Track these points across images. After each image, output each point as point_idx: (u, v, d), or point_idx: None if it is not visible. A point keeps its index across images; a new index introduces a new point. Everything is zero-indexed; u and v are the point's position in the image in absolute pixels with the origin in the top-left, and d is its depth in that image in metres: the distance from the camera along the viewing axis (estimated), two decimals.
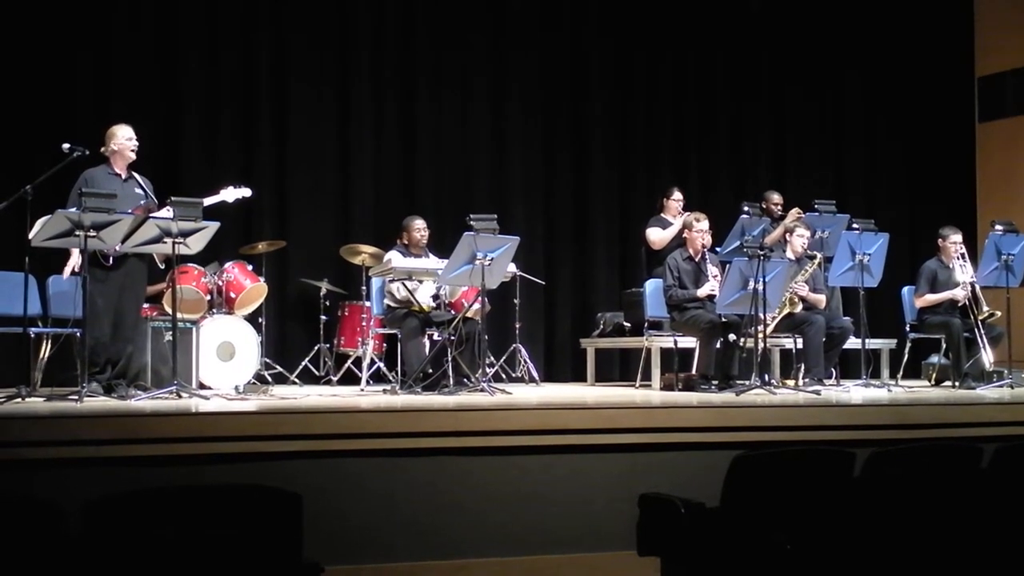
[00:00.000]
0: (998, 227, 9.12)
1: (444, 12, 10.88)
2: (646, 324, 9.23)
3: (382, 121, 10.62)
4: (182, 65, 9.87)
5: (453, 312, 8.47)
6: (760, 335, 8.05)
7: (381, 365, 9.38)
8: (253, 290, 8.88)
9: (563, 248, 11.25)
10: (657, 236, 9.51)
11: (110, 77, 9.58)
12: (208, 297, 8.66)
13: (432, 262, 8.47)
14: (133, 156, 7.41)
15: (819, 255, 9.01)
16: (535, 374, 9.83)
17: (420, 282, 8.45)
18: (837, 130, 12.58)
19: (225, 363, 8.45)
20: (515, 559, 5.76)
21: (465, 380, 7.80)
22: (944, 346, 9.44)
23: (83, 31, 9.50)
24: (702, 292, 8.49)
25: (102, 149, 7.38)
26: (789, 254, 8.91)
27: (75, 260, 7.10)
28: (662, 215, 9.71)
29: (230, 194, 7.80)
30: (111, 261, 7.13)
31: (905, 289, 9.74)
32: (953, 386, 9.01)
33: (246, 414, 6.04)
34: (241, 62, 10.12)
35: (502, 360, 9.81)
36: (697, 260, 8.66)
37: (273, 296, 9.52)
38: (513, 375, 9.87)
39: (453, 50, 10.90)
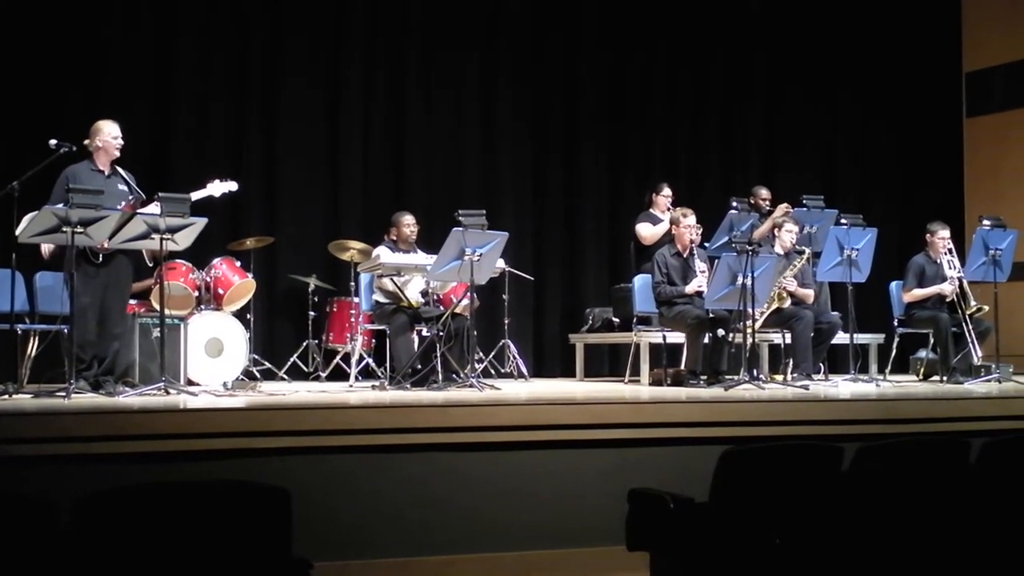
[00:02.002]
0: (986, 222, 9.15)
1: (435, 9, 10.87)
2: (635, 320, 9.24)
3: (371, 117, 10.60)
4: (172, 61, 9.84)
5: (442, 308, 8.46)
6: (748, 330, 8.06)
7: (370, 361, 9.38)
8: (241, 286, 8.86)
9: (552, 244, 11.26)
10: (648, 232, 9.51)
11: (100, 73, 9.54)
12: (196, 293, 8.64)
13: (421, 258, 8.46)
14: (118, 154, 7.38)
15: (807, 250, 9.03)
16: (524, 370, 9.84)
17: (409, 278, 8.44)
18: (825, 125, 12.61)
19: (213, 359, 8.43)
20: (504, 554, 5.76)
21: (454, 376, 7.80)
22: (932, 341, 9.47)
23: (75, 26, 9.46)
24: (690, 288, 8.50)
25: (85, 142, 7.35)
26: (777, 249, 8.93)
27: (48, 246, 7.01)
28: (651, 211, 9.70)
29: (216, 188, 7.78)
30: (100, 258, 7.11)
31: (893, 284, 9.76)
32: (941, 381, 9.04)
33: (234, 410, 6.02)
34: (232, 59, 10.10)
35: (491, 356, 9.82)
36: (685, 256, 8.67)
37: (261, 292, 9.51)
38: (502, 371, 9.88)
39: (443, 46, 10.89)
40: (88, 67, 9.50)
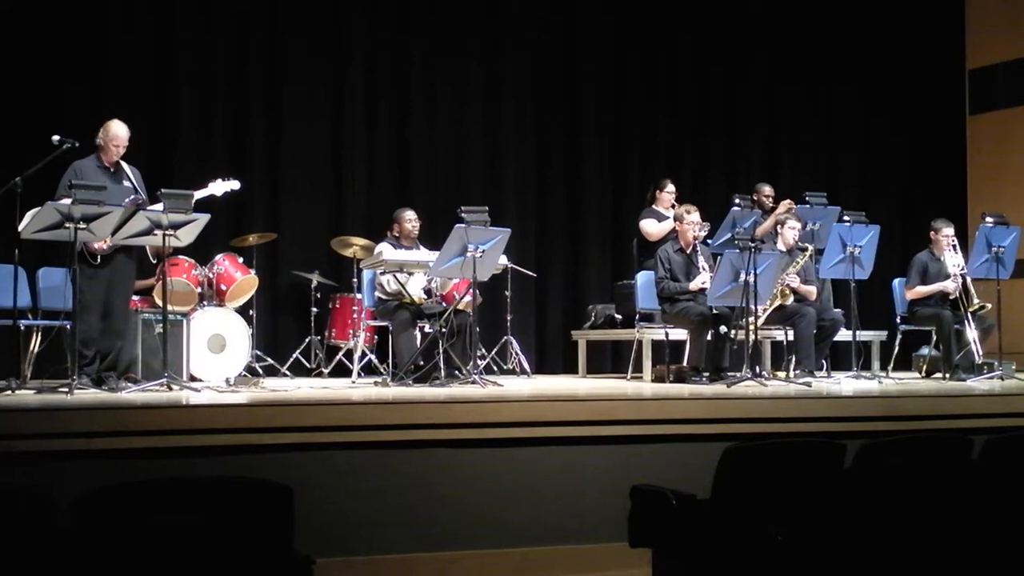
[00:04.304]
0: (988, 219, 9.13)
1: (438, 5, 10.86)
2: (637, 316, 9.24)
3: (374, 113, 10.59)
4: (175, 58, 9.83)
5: (444, 304, 8.46)
6: (751, 327, 8.06)
7: (372, 357, 9.38)
8: (244, 282, 8.86)
9: (554, 240, 11.25)
10: (654, 228, 9.49)
11: (101, 68, 9.53)
12: (199, 289, 8.64)
13: (423, 254, 8.45)
14: (117, 157, 7.37)
15: (810, 247, 9.02)
16: (526, 366, 9.83)
17: (411, 274, 8.44)
18: (829, 122, 12.61)
19: (216, 355, 8.44)
20: (506, 551, 5.76)
21: (456, 372, 7.80)
22: (935, 338, 9.47)
23: (78, 23, 9.45)
24: (694, 285, 8.49)
25: (97, 141, 7.35)
26: (780, 246, 8.92)
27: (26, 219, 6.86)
28: (655, 207, 9.69)
29: (218, 187, 7.80)
30: (98, 260, 7.10)
31: (896, 281, 9.76)
32: (944, 378, 9.03)
33: (237, 406, 6.03)
34: (234, 55, 10.09)
35: (493, 352, 9.82)
36: (688, 252, 8.66)
37: (264, 288, 9.51)
38: (504, 367, 9.88)
39: (447, 43, 10.87)
40: (90, 64, 9.49)
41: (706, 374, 8.29)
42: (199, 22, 9.95)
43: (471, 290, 7.94)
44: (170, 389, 6.83)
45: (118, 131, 7.35)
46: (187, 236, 7.07)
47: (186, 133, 9.83)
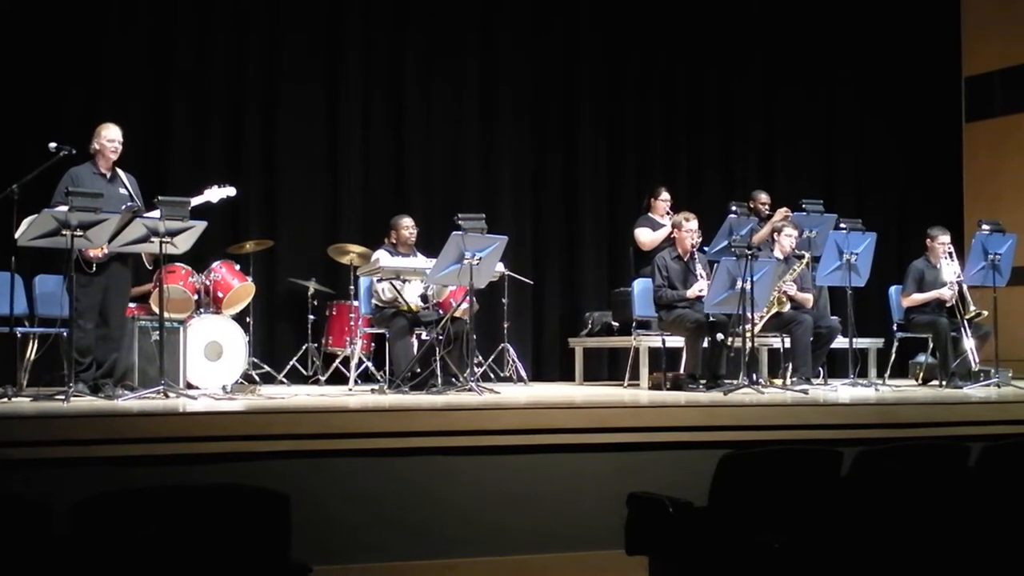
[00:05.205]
0: (985, 227, 9.14)
1: (435, 11, 10.86)
2: (634, 323, 9.24)
3: (371, 120, 10.60)
4: (171, 63, 9.83)
5: (441, 311, 8.46)
6: (748, 334, 8.06)
7: (369, 365, 9.37)
8: (241, 289, 8.85)
9: (551, 247, 11.25)
10: (647, 237, 9.49)
11: (98, 75, 9.54)
12: (195, 296, 8.64)
13: (420, 261, 8.46)
14: (115, 157, 7.37)
15: (807, 254, 9.02)
16: (523, 373, 9.82)
17: (407, 281, 8.43)
18: (825, 129, 12.61)
19: (213, 363, 8.43)
20: (504, 558, 5.76)
21: (453, 380, 7.80)
22: (931, 345, 9.47)
23: (73, 29, 9.45)
24: (691, 292, 8.49)
25: (93, 148, 7.35)
26: (777, 253, 8.92)
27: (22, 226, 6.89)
28: (650, 215, 9.69)
29: (214, 194, 7.79)
30: (93, 268, 7.10)
31: (892, 288, 9.77)
32: (940, 385, 9.03)
33: (234, 414, 6.02)
34: (230, 61, 10.09)
35: (490, 359, 9.80)
36: (686, 260, 8.66)
37: (261, 295, 9.50)
38: (501, 374, 9.87)
39: (443, 49, 10.87)
40: (87, 69, 9.49)
41: (703, 381, 8.29)
42: (195, 28, 9.93)
43: (468, 297, 7.94)
44: (167, 396, 6.83)
45: (111, 132, 7.35)
46: (184, 243, 7.06)
47: (181, 137, 9.82)
